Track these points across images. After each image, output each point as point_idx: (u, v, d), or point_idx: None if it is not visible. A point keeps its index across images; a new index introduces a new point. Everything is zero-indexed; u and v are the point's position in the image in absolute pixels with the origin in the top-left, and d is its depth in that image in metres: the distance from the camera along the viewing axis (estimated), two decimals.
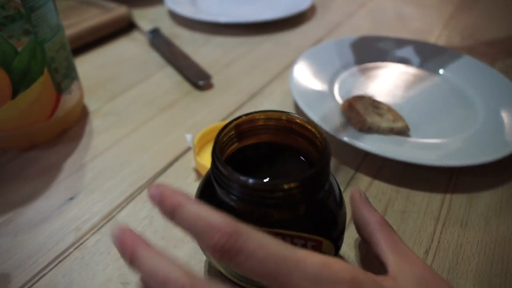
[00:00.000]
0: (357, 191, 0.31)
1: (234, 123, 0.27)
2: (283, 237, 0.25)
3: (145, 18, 0.74)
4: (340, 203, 0.28)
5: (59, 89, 0.45)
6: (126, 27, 0.72)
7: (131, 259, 0.21)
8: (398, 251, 0.26)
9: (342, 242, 0.28)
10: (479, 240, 0.36)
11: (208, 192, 0.27)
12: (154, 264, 0.20)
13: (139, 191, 0.41)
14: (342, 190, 0.40)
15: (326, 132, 0.43)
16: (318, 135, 0.26)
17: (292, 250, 0.20)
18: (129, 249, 0.21)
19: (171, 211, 0.21)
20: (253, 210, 0.24)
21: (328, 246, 0.26)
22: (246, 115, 0.28)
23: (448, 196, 0.40)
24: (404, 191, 0.40)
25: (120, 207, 0.39)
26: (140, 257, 0.21)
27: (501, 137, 0.43)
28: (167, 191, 0.22)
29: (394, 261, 0.25)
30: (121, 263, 0.34)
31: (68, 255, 0.34)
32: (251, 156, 0.29)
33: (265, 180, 0.23)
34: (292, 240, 0.25)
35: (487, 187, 0.41)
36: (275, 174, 0.28)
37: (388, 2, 0.85)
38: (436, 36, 0.72)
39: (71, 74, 0.47)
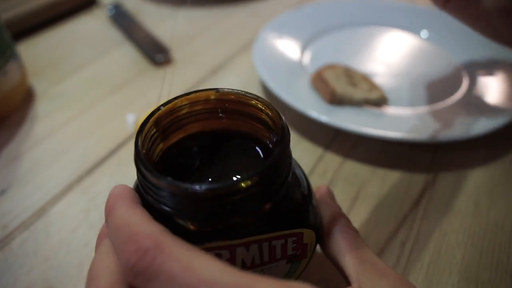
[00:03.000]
0: (324, 186, 0.26)
1: (153, 118, 0.21)
2: (260, 244, 0.19)
3: None
4: (307, 184, 0.22)
5: None
6: (86, 2, 0.66)
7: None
8: (363, 259, 0.20)
9: (321, 225, 0.23)
10: (467, 227, 0.30)
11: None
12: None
13: (77, 181, 0.35)
14: (308, 172, 0.35)
15: (292, 107, 0.38)
16: (269, 113, 0.20)
17: (233, 275, 0.14)
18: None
19: (106, 216, 0.18)
20: (212, 225, 0.19)
21: (310, 234, 0.21)
22: (165, 104, 0.21)
23: (431, 175, 0.35)
24: (380, 172, 0.35)
25: (55, 200, 0.34)
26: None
27: (492, 107, 0.38)
28: (114, 190, 0.18)
29: (359, 271, 0.20)
30: (47, 265, 0.29)
31: None
32: (186, 155, 0.23)
33: (214, 184, 0.17)
34: (270, 244, 0.19)
35: (477, 164, 0.36)
36: (224, 173, 0.22)
37: None
38: None
39: (7, 52, 0.42)
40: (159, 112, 0.21)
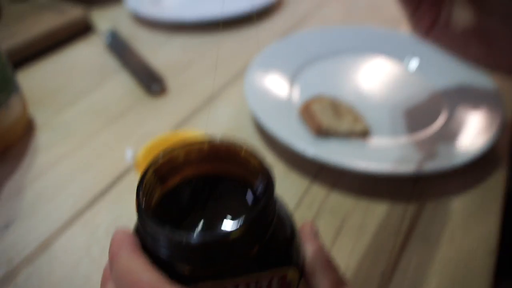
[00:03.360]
0: (308, 224, 0.28)
1: (152, 169, 0.23)
2: (248, 283, 0.21)
3: (104, 19, 0.71)
4: (292, 224, 0.24)
5: None
6: (83, 30, 0.68)
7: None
8: None
9: (304, 263, 0.25)
10: (442, 257, 0.33)
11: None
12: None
13: (78, 215, 0.38)
14: (295, 204, 0.37)
15: (279, 139, 0.40)
16: (255, 162, 0.23)
17: None
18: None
19: (110, 261, 0.20)
20: (205, 268, 0.21)
21: (293, 272, 0.23)
22: (163, 155, 0.23)
23: (411, 206, 0.37)
24: (363, 203, 0.37)
25: (57, 234, 0.36)
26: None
27: (469, 136, 0.40)
28: (116, 235, 0.20)
29: None
30: None
31: None
32: (183, 198, 0.25)
33: (207, 235, 0.19)
34: (257, 283, 0.22)
35: (454, 193, 0.38)
36: (217, 217, 0.24)
37: None
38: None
39: (7, 87, 0.44)
40: (157, 164, 0.23)
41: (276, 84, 0.48)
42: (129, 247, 0.20)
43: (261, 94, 0.46)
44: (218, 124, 0.47)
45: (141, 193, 0.21)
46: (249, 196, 0.24)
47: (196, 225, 0.24)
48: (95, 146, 0.45)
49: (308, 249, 0.25)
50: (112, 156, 0.43)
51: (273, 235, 0.22)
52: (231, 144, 0.24)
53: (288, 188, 0.39)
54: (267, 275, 0.22)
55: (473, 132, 0.41)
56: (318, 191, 0.38)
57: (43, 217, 0.38)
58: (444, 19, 0.32)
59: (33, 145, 0.46)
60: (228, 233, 0.19)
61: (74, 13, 0.67)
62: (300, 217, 0.36)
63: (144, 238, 0.21)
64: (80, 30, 0.68)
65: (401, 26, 0.65)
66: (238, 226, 0.19)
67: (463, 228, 0.35)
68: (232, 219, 0.24)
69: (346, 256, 0.33)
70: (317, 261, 0.24)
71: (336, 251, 0.33)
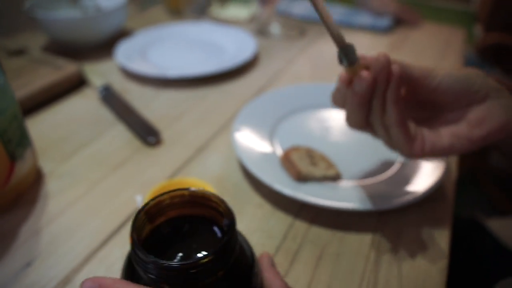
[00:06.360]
0: (266, 255, 0.34)
1: (144, 210, 0.30)
2: None
3: (96, 73, 0.77)
4: (252, 254, 0.31)
5: (13, 158, 0.47)
6: (77, 84, 0.74)
7: None
8: None
9: (261, 286, 0.31)
10: (404, 275, 0.40)
11: (132, 271, 0.29)
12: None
13: (93, 252, 0.43)
14: (281, 237, 0.44)
15: (265, 184, 0.48)
16: (223, 207, 0.29)
17: None
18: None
19: None
20: (182, 287, 0.27)
21: None
22: (153, 199, 0.30)
23: (377, 235, 0.45)
24: (338, 234, 0.45)
25: (76, 270, 0.41)
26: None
27: (419, 177, 0.49)
28: (105, 281, 0.26)
29: None
30: None
31: None
32: (167, 233, 0.32)
33: (184, 262, 0.26)
34: None
35: (411, 224, 0.46)
36: (192, 248, 0.31)
37: (326, 46, 0.92)
38: None
39: (24, 142, 0.49)
40: (148, 206, 0.30)
41: (259, 136, 0.57)
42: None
43: (247, 145, 0.54)
44: (211, 171, 0.54)
45: (134, 229, 0.28)
46: (217, 232, 0.32)
47: (177, 253, 0.31)
48: (101, 192, 0.51)
49: (265, 276, 0.32)
50: (119, 200, 0.49)
51: (236, 262, 0.29)
52: (204, 192, 0.31)
53: (275, 224, 0.46)
54: None
55: (424, 174, 0.50)
56: (300, 226, 0.46)
57: (62, 256, 0.43)
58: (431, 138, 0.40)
59: (43, 191, 0.51)
60: (199, 260, 0.26)
61: (69, 68, 0.74)
62: (287, 249, 0.43)
63: (137, 263, 0.27)
64: (75, 84, 0.74)
65: None
66: (207, 255, 0.26)
67: (422, 251, 0.43)
68: (204, 249, 0.31)
69: (327, 278, 0.40)
70: (272, 286, 0.31)
71: (318, 275, 0.40)
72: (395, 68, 0.38)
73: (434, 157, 0.41)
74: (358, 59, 0.38)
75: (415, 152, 0.39)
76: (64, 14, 0.92)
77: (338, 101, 0.42)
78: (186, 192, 0.31)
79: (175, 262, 0.26)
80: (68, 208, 0.49)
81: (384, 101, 0.39)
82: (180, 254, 0.30)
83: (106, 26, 0.86)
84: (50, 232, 0.46)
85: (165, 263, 0.25)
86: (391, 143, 0.41)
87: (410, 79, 0.39)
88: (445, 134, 0.40)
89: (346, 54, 0.38)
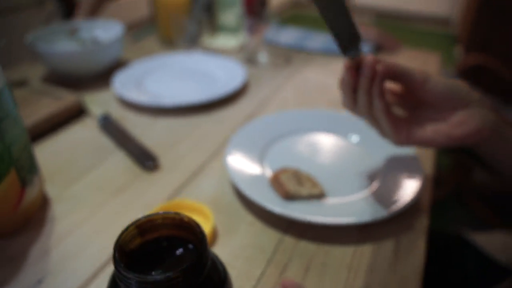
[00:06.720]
0: (290, 281, 0.39)
1: (133, 226, 0.34)
2: None
3: (95, 103, 0.82)
4: (224, 271, 0.35)
5: (24, 183, 0.51)
6: (77, 113, 0.79)
7: None
8: None
9: None
10: (385, 283, 0.45)
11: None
12: None
13: (100, 269, 0.47)
14: (272, 251, 0.49)
15: (256, 203, 0.52)
16: (197, 229, 0.33)
17: None
18: None
19: None
20: None
21: None
22: (137, 220, 0.34)
23: (359, 247, 0.50)
24: (324, 247, 0.50)
25: (84, 285, 0.45)
26: None
27: (399, 194, 0.54)
28: None
29: None
30: None
31: None
32: (149, 250, 0.35)
33: (163, 275, 0.29)
34: None
35: (390, 236, 0.51)
36: (170, 262, 0.34)
37: (311, 74, 0.99)
38: None
39: (33, 168, 0.54)
40: (139, 222, 0.34)
41: (250, 159, 0.62)
42: None
43: (239, 168, 0.59)
44: (206, 192, 0.59)
45: (117, 251, 0.31)
46: (193, 250, 0.35)
47: (156, 268, 0.34)
48: (104, 215, 0.55)
49: None
50: (122, 222, 0.53)
51: (208, 277, 0.33)
52: (182, 216, 0.35)
53: (266, 240, 0.50)
54: None
55: (401, 190, 0.55)
56: (289, 241, 0.50)
57: (71, 273, 0.47)
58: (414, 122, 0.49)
59: (50, 214, 0.55)
60: (174, 274, 0.29)
61: (69, 98, 0.79)
62: (278, 262, 0.48)
63: (120, 280, 0.30)
64: (75, 114, 0.79)
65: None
66: (181, 269, 0.30)
67: (400, 261, 0.48)
68: (179, 265, 0.33)
69: (314, 287, 0.45)
70: None
71: (308, 285, 0.45)
72: (379, 67, 0.46)
73: (417, 145, 0.49)
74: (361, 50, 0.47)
75: (402, 139, 0.49)
76: (63, 46, 0.97)
77: (346, 86, 0.49)
78: (172, 215, 0.35)
79: (153, 276, 0.30)
80: (75, 230, 0.53)
81: (370, 96, 0.47)
82: (159, 269, 0.34)
83: (104, 58, 0.91)
84: (59, 251, 0.50)
85: (145, 278, 0.29)
86: (383, 133, 0.50)
87: (411, 80, 0.47)
88: (429, 129, 0.48)
89: (357, 45, 0.46)
